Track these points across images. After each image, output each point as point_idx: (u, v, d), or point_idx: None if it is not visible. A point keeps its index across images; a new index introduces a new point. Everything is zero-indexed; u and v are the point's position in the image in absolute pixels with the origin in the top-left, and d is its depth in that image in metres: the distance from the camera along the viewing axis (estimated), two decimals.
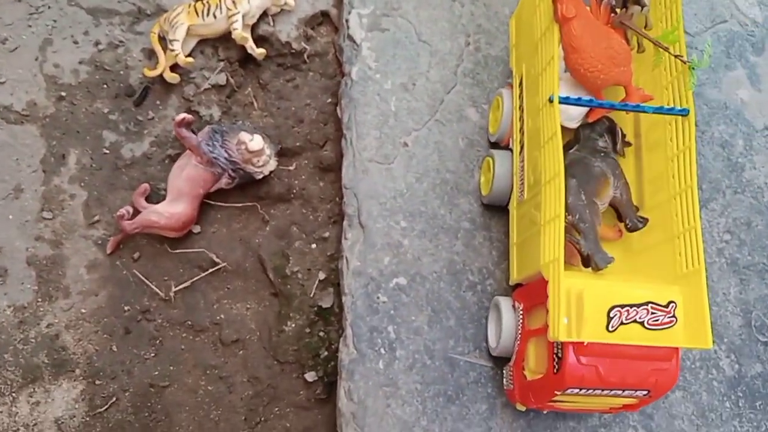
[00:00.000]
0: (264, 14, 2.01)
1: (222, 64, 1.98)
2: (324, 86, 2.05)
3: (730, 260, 1.86)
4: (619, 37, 1.53)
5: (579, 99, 1.45)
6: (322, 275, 1.88)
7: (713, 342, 1.78)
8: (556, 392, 1.38)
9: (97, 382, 1.78)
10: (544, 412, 1.64)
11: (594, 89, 1.54)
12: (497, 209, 1.80)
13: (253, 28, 2.00)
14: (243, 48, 1.97)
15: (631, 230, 1.55)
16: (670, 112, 1.47)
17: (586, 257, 1.45)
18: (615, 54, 1.49)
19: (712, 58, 1.46)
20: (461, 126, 1.88)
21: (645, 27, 1.59)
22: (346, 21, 1.95)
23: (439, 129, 1.87)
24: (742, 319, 1.82)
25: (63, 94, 1.94)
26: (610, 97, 1.61)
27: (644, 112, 1.48)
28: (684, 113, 1.46)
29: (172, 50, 1.90)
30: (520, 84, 1.68)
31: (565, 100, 1.43)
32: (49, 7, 2.01)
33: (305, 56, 2.03)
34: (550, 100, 1.42)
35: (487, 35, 1.97)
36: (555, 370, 1.37)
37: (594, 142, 1.58)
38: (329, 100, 2.03)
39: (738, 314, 1.82)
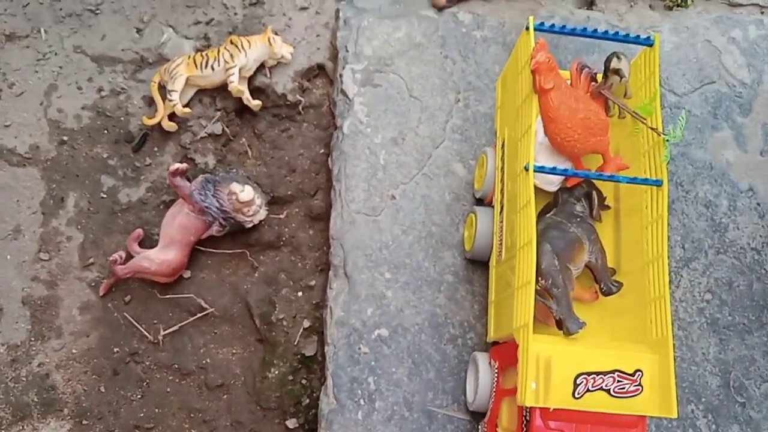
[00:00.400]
0: (261, 66, 2.08)
1: (219, 113, 2.05)
2: (317, 137, 2.10)
3: (711, 320, 1.88)
4: (598, 107, 1.57)
5: (554, 168, 1.48)
6: (306, 323, 1.92)
7: (690, 402, 1.81)
8: None
9: (84, 422, 1.83)
10: None
11: (572, 156, 1.58)
12: (480, 263, 1.84)
13: (251, 79, 2.07)
14: (240, 98, 2.04)
15: (605, 294, 1.58)
16: (645, 182, 1.50)
17: (559, 321, 1.48)
18: (592, 124, 1.53)
19: (685, 131, 1.49)
20: (448, 180, 1.93)
21: (624, 96, 1.64)
22: (340, 76, 2.01)
23: (426, 183, 1.92)
24: (721, 380, 1.84)
25: (65, 138, 2.02)
26: (590, 162, 1.65)
27: (619, 181, 1.51)
28: (658, 184, 1.49)
29: (171, 100, 1.97)
30: (503, 146, 1.72)
31: (540, 169, 1.47)
32: (55, 54, 2.09)
33: (300, 107, 2.10)
34: (526, 169, 1.46)
35: (477, 92, 2.02)
36: None
37: (571, 207, 1.61)
38: (322, 150, 2.09)
39: (717, 374, 1.84)
